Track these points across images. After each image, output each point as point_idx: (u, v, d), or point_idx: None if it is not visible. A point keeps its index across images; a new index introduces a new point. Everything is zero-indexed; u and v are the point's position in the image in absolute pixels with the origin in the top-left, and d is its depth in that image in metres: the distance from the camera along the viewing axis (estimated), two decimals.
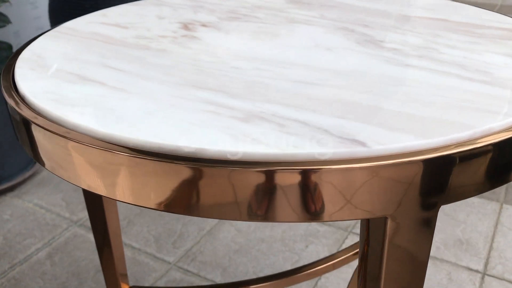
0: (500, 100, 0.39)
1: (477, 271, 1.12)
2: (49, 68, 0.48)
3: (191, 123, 0.37)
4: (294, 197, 0.33)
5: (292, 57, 0.50)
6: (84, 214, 1.32)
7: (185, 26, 0.60)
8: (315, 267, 0.94)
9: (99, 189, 0.37)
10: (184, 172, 0.33)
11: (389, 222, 0.34)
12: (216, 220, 1.28)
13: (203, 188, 0.33)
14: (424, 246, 0.36)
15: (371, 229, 0.37)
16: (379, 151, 0.33)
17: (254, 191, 0.33)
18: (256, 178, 0.32)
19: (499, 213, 1.33)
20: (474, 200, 1.37)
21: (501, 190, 1.41)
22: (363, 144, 0.33)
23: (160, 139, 0.35)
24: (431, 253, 1.18)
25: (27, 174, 1.45)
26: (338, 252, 0.98)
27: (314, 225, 1.26)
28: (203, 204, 0.34)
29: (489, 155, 0.34)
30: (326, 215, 0.33)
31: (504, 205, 1.36)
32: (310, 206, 0.33)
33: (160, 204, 0.35)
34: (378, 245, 0.36)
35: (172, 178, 0.34)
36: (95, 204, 0.92)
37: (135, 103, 0.40)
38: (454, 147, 0.33)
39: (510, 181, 0.37)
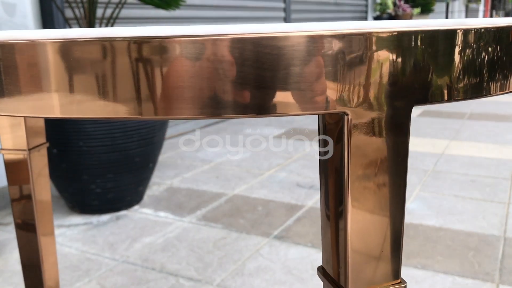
0: None
1: None
2: None
3: None
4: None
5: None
6: None
7: None
8: None
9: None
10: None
11: (348, 119, 0.28)
12: None
13: None
14: (395, 151, 0.29)
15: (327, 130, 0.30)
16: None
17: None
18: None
19: None
20: (467, 282, 1.25)
21: (495, 271, 1.31)
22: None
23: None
24: None
25: None
26: None
27: None
28: None
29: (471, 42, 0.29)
30: (272, 107, 0.27)
31: (501, 286, 1.24)
32: (242, 94, 0.26)
33: None
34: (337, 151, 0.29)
35: None
36: None
37: None
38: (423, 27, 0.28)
39: (507, 90, 0.31)
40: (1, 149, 0.63)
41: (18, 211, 0.76)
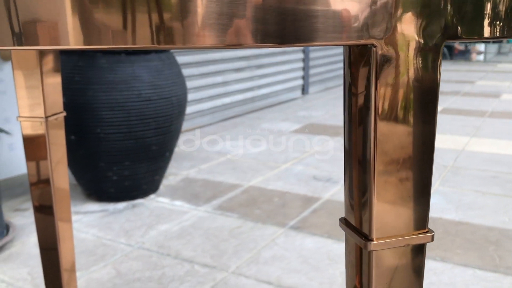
0: None
1: None
2: None
3: None
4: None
5: None
6: None
7: None
8: None
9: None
10: None
11: (376, 52, 0.26)
12: None
13: None
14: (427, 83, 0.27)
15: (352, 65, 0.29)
16: None
17: None
18: None
19: None
20: (488, 275, 1.22)
21: None
22: None
23: None
24: None
25: None
26: None
27: None
28: None
29: None
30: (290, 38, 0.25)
31: None
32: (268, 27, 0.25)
33: None
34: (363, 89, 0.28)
35: None
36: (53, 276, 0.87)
37: None
38: None
39: None
40: (19, 116, 0.63)
41: (36, 195, 0.76)
